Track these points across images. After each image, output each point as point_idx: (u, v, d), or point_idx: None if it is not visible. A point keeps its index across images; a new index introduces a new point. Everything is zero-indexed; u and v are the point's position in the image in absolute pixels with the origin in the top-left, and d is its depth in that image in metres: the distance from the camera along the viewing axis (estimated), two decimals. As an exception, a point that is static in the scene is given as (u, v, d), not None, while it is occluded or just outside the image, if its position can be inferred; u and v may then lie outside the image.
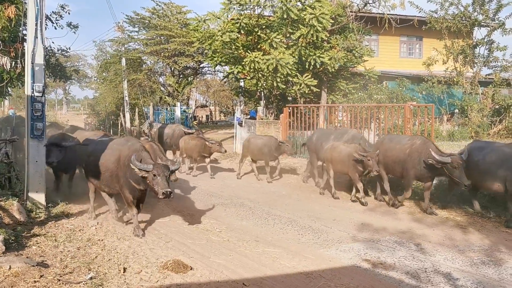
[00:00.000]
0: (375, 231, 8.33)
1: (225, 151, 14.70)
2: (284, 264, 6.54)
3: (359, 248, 7.36)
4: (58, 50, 21.17)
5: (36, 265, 5.75)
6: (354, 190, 10.86)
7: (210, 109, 43.73)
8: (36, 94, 9.26)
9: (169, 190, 7.08)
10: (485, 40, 20.33)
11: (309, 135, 16.00)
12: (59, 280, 5.42)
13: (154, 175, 7.16)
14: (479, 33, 23.57)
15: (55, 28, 20.01)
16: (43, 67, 9.46)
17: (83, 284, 5.38)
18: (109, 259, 6.48)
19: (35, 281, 5.27)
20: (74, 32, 20.61)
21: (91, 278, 5.56)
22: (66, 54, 22.04)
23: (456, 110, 21.25)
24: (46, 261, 6.15)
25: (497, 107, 19.78)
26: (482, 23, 20.75)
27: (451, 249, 7.33)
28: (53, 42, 22.30)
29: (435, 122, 20.35)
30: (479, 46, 20.87)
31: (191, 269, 6.19)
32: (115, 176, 7.99)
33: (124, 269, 6.06)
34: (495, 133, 18.72)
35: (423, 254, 7.07)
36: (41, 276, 5.42)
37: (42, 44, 9.41)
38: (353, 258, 6.87)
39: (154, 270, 6.13)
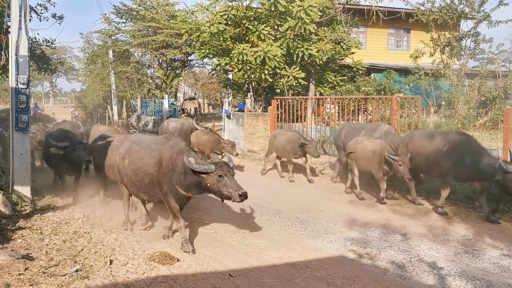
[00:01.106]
0: (361, 222, 8.40)
1: (237, 154, 13.49)
2: (270, 255, 6.57)
3: (346, 238, 7.42)
4: (43, 42, 20.92)
5: (21, 257, 5.73)
6: (382, 192, 9.78)
7: (198, 101, 43.51)
8: (20, 86, 9.15)
9: (245, 190, 6.19)
10: (471, 32, 20.49)
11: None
12: (44, 272, 5.39)
13: (220, 176, 6.17)
14: (466, 26, 23.70)
15: (40, 20, 19.81)
16: (28, 58, 9.34)
17: (69, 276, 5.37)
18: (96, 252, 6.46)
19: (19, 274, 5.24)
20: (59, 23, 20.39)
21: (76, 271, 5.54)
22: (51, 45, 21.78)
23: (443, 102, 21.41)
24: (31, 254, 6.12)
25: (483, 99, 19.96)
26: (468, 16, 20.90)
27: (435, 239, 7.42)
28: (38, 34, 22.09)
29: (422, 114, 20.56)
30: (465, 39, 21.04)
31: (178, 260, 6.20)
32: (156, 182, 6.77)
33: (111, 262, 6.05)
34: (481, 124, 18.91)
35: (408, 244, 7.15)
36: (26, 269, 5.39)
37: (27, 35, 9.29)
38: (340, 249, 6.93)
39: (140, 262, 6.13)
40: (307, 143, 12.02)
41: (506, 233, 7.75)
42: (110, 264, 5.96)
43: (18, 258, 5.65)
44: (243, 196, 6.10)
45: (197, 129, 14.47)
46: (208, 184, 6.21)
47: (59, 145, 9.24)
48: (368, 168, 10.05)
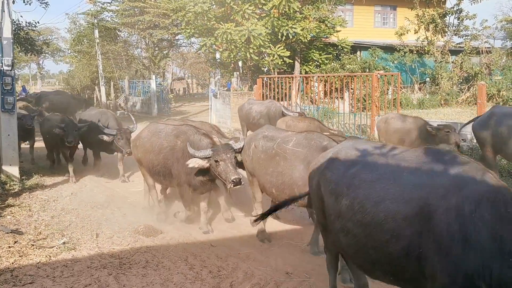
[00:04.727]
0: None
1: None
2: (249, 226, 6.89)
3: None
4: (26, 24, 20.83)
5: (11, 232, 6.01)
6: None
7: (187, 81, 43.53)
8: (5, 68, 9.28)
9: None
10: (454, 8, 20.71)
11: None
12: (33, 245, 5.69)
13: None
14: (450, 3, 23.93)
15: (24, 2, 19.68)
16: (12, 40, 9.45)
17: (56, 248, 5.67)
18: (83, 226, 6.76)
19: (9, 247, 5.53)
20: (43, 7, 20.33)
21: (64, 243, 5.84)
22: (34, 28, 21.69)
23: (428, 79, 21.74)
24: (20, 229, 6.40)
25: (465, 75, 20.31)
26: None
27: None
28: (21, 16, 21.92)
29: (407, 91, 20.92)
30: (449, 15, 21.24)
31: (161, 233, 6.52)
32: (416, 257, 3.08)
33: (97, 235, 6.36)
34: (463, 100, 19.29)
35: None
36: (15, 242, 5.69)
37: (10, 17, 9.39)
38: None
39: (126, 234, 6.43)
40: (443, 128, 8.61)
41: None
42: (96, 237, 6.26)
43: (7, 233, 5.94)
44: None
45: (284, 114, 11.24)
46: None
47: None
48: None
